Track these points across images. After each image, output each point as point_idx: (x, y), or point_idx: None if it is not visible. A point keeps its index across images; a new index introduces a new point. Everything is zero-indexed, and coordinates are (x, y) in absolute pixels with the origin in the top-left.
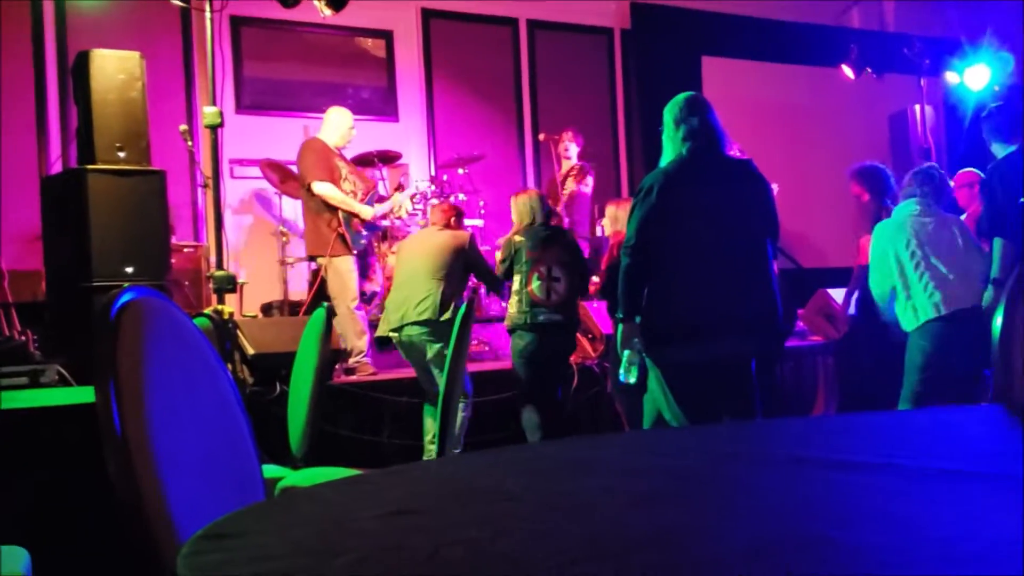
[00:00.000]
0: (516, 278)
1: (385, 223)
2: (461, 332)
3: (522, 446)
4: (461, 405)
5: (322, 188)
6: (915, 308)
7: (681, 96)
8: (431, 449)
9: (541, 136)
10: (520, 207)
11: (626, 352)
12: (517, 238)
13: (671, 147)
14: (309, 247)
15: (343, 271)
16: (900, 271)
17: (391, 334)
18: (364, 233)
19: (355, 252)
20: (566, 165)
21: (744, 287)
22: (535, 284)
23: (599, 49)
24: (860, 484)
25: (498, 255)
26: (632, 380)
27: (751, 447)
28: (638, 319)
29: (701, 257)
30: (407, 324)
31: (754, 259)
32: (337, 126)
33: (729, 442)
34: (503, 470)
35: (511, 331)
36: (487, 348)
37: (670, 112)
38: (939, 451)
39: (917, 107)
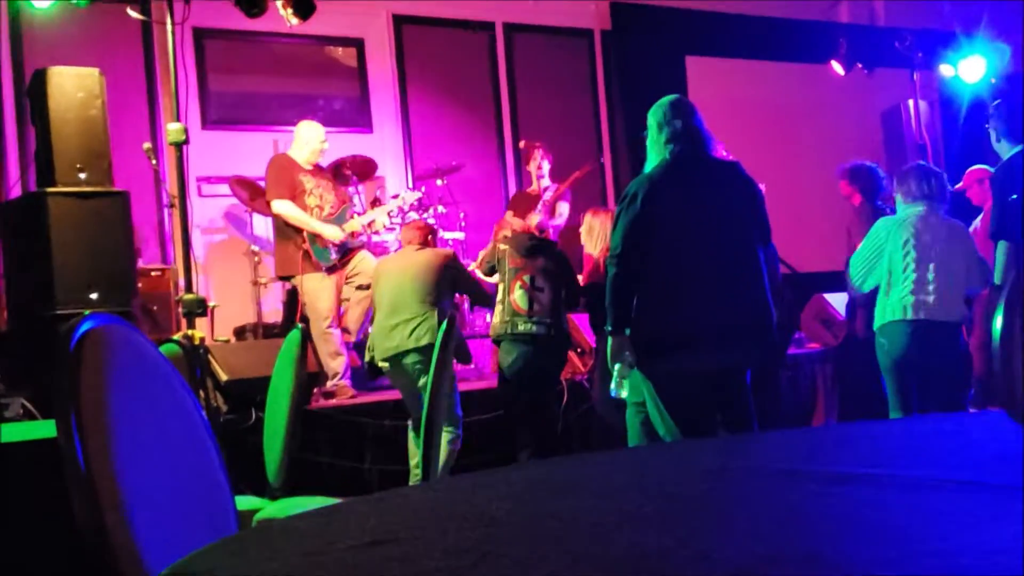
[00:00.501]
0: (499, 287)
1: (362, 238)
2: (444, 348)
3: (506, 468)
4: (449, 434)
5: (279, 207)
6: (885, 307)
7: (664, 99)
8: (417, 474)
9: (521, 144)
10: (506, 223)
11: (617, 365)
12: (502, 246)
13: (655, 151)
14: (278, 267)
15: (311, 290)
16: (889, 269)
17: (383, 364)
18: (333, 250)
19: (324, 269)
20: (542, 184)
21: (735, 294)
22: (517, 293)
23: (579, 52)
24: (856, 497)
25: (481, 254)
26: (624, 395)
27: (742, 462)
28: (627, 331)
29: (690, 264)
30: (404, 352)
31: (745, 265)
32: (306, 141)
33: (719, 457)
34: (486, 494)
35: (496, 342)
36: (472, 366)
37: (653, 116)
38: (939, 460)
39: (911, 102)
